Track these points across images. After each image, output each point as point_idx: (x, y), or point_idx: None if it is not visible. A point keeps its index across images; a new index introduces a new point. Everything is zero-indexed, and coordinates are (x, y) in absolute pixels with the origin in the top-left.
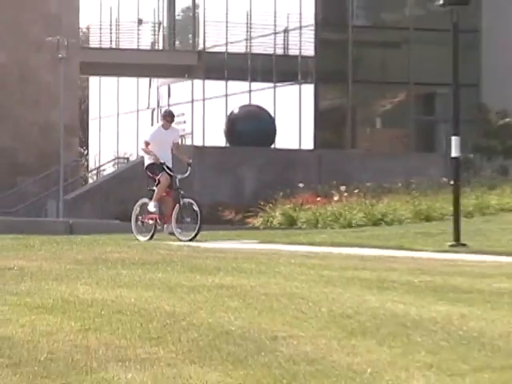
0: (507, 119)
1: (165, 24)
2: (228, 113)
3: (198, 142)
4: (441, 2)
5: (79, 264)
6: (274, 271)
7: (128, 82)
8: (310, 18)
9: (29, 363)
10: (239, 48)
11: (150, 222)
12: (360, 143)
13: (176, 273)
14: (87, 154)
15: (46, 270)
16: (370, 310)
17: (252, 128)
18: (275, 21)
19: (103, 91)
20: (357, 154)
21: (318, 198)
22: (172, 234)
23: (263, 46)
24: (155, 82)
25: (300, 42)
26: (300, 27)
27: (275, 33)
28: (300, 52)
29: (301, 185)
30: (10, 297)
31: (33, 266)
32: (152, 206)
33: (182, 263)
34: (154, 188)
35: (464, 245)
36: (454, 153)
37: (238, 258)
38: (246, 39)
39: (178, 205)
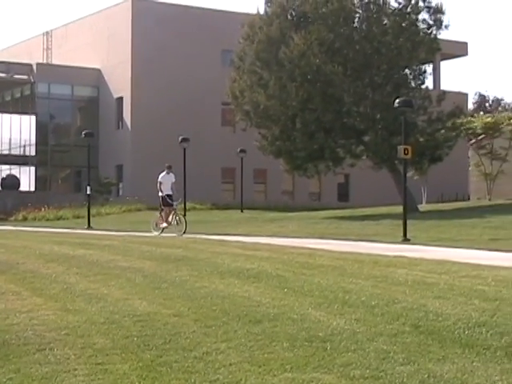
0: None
1: None
2: None
3: None
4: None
5: None
6: None
7: None
8: None
9: None
10: None
11: (161, 226)
12: None
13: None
14: None
15: None
16: None
17: None
18: None
19: None
20: None
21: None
22: (166, 227)
23: None
24: None
25: None
26: None
27: None
28: None
29: None
30: None
31: None
32: (164, 224)
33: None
34: (163, 208)
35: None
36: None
37: None
38: None
39: (174, 218)
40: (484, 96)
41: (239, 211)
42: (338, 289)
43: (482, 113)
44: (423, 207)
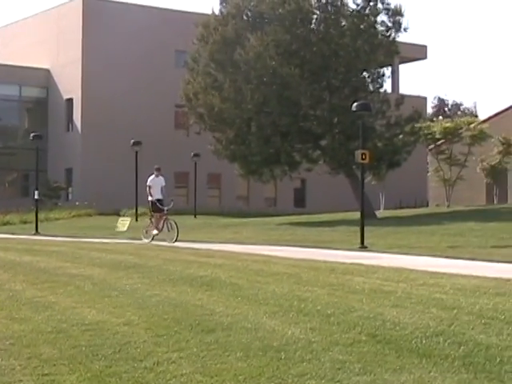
0: None
1: None
2: None
3: None
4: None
5: None
6: None
7: None
8: None
9: None
10: None
11: (152, 233)
12: None
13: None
14: None
15: None
16: None
17: None
18: None
19: None
20: None
21: None
22: (156, 234)
23: None
24: None
25: None
26: None
27: None
28: None
29: None
30: None
31: None
32: (155, 231)
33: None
34: (153, 213)
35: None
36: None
37: None
38: None
39: (165, 224)
40: (443, 100)
41: (192, 217)
42: (293, 297)
43: (441, 117)
44: (381, 213)
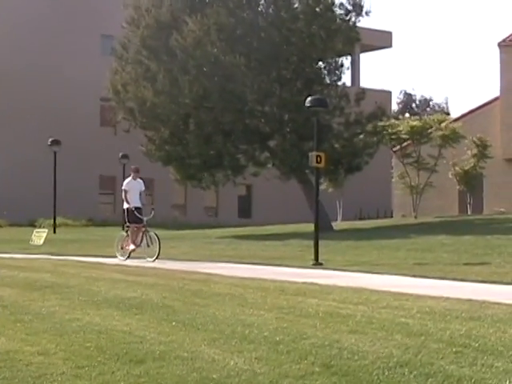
0: None
1: None
2: None
3: None
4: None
5: None
6: None
7: None
8: None
9: None
10: None
11: (128, 248)
12: None
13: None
14: None
15: None
16: None
17: None
18: None
19: None
20: None
21: None
22: (133, 250)
23: None
24: None
25: None
26: None
27: None
28: None
29: None
30: None
31: None
32: (131, 246)
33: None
34: (129, 224)
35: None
36: None
37: None
38: None
39: (145, 238)
40: (410, 95)
41: (120, 228)
42: (236, 322)
43: (407, 115)
44: (338, 225)
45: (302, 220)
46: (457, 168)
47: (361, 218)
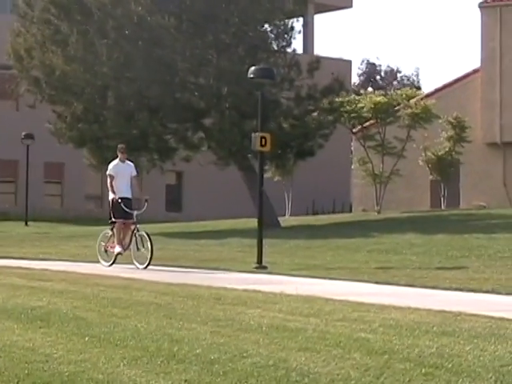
0: None
1: None
2: None
3: None
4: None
5: None
6: None
7: None
8: None
9: None
10: None
11: (113, 251)
12: None
13: None
14: None
15: None
16: None
17: None
18: None
19: None
20: None
21: None
22: (120, 254)
23: None
24: None
25: None
26: None
27: None
28: None
29: None
30: None
31: None
32: (117, 248)
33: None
34: (114, 220)
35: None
36: None
37: None
38: None
39: (134, 239)
40: (374, 65)
41: (23, 224)
42: (162, 337)
43: (370, 89)
44: (287, 221)
45: (242, 215)
46: (429, 153)
47: (314, 213)
